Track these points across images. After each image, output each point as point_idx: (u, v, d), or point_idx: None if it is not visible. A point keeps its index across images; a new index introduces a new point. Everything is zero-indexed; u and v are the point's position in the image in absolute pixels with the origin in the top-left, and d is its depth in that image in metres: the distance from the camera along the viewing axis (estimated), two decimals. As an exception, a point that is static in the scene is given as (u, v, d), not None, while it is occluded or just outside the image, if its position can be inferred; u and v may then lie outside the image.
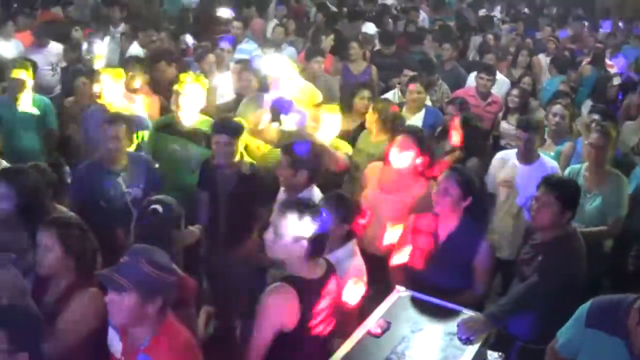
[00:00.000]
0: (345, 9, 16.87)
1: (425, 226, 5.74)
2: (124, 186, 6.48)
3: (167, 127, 7.26)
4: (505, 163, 7.31)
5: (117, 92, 7.74)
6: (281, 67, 8.20)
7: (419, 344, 4.69)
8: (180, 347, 3.92)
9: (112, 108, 7.53)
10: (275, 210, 4.60)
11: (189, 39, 13.09)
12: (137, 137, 7.06)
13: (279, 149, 6.53)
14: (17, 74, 8.16)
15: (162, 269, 3.80)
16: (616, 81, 11.74)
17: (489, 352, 5.02)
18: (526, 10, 22.64)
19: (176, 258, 4.68)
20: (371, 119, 7.71)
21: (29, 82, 8.31)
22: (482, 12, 20.13)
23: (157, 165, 6.95)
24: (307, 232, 4.22)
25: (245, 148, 6.88)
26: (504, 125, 9.87)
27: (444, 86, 10.70)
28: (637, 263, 6.74)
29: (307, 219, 4.24)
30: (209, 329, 5.03)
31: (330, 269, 4.56)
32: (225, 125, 6.63)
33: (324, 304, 4.40)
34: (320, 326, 4.40)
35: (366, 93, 8.85)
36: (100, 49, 10.46)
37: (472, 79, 10.82)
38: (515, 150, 7.36)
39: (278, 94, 7.82)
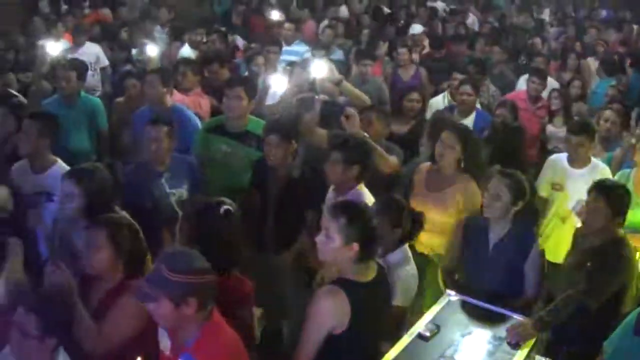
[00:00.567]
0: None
1: (476, 230, 5.74)
2: (167, 187, 6.54)
3: (217, 128, 7.27)
4: (556, 166, 7.26)
5: (167, 93, 7.79)
6: (329, 71, 8.19)
7: (467, 348, 4.67)
8: (225, 348, 3.94)
9: (162, 109, 7.60)
10: (325, 212, 4.59)
11: (239, 40, 13.18)
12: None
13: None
14: (68, 74, 8.23)
15: (187, 272, 3.80)
16: None
17: (537, 357, 5.00)
18: (574, 13, 22.47)
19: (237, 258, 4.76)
20: None
21: (80, 83, 8.41)
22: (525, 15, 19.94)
23: (206, 168, 6.99)
24: (358, 235, 4.23)
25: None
26: (550, 128, 9.82)
27: (492, 88, 10.64)
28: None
29: (359, 222, 4.25)
30: (256, 330, 5.06)
31: (382, 273, 4.55)
32: (277, 126, 6.65)
33: (373, 307, 4.40)
34: (369, 329, 4.40)
35: (415, 95, 8.86)
36: (152, 51, 10.53)
37: (522, 82, 10.76)
38: (567, 153, 7.30)
39: (327, 97, 7.84)
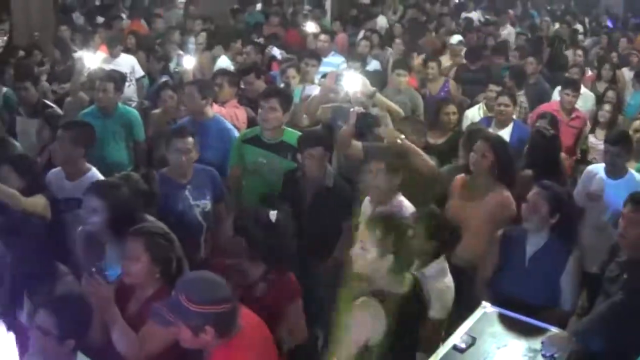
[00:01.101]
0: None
1: (513, 241, 5.73)
2: (192, 199, 6.58)
3: (253, 139, 7.29)
4: (594, 177, 7.20)
5: (207, 104, 7.83)
6: (363, 84, 8.18)
7: (502, 360, 4.68)
8: None
9: (204, 120, 7.68)
10: (363, 224, 4.61)
11: (275, 51, 13.22)
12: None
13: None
14: (105, 85, 8.27)
15: (206, 303, 3.89)
16: None
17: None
18: (609, 23, 22.34)
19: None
20: None
21: (117, 94, 8.46)
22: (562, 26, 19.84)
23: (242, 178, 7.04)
24: (394, 247, 4.25)
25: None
26: (591, 139, 9.75)
27: (521, 98, 10.57)
28: None
29: (394, 234, 4.27)
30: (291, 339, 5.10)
31: (417, 285, 4.56)
32: (322, 139, 6.72)
33: (408, 318, 4.41)
34: (404, 340, 4.41)
35: (452, 108, 8.87)
36: (189, 63, 10.59)
37: (556, 94, 10.70)
38: (604, 164, 7.26)
39: (362, 109, 7.84)
